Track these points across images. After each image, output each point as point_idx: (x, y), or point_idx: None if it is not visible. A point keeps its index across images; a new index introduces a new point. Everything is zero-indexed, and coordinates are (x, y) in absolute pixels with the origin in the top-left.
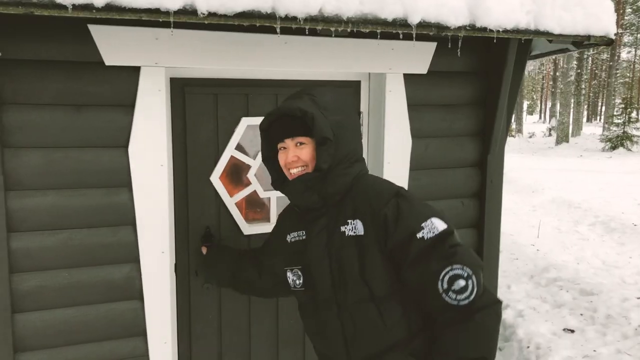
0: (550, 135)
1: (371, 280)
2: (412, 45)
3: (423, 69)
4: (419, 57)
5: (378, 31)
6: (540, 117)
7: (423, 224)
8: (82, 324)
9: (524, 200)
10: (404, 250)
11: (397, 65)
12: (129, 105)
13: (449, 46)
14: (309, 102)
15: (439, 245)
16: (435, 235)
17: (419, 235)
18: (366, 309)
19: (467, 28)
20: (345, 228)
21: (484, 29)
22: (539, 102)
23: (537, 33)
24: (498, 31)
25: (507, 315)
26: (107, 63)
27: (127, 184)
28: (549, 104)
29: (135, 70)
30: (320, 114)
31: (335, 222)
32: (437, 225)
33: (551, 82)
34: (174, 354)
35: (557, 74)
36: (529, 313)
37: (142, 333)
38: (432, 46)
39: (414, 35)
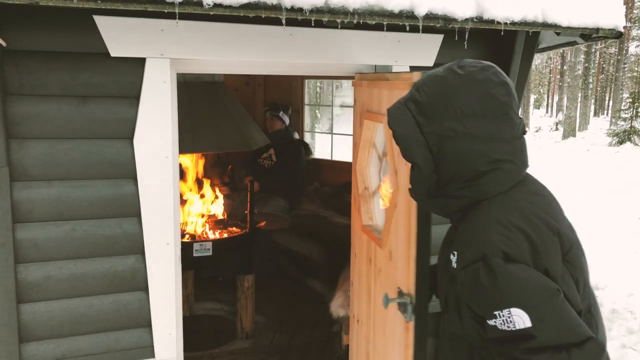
0: (557, 129)
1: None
2: (419, 38)
3: (429, 62)
4: (426, 50)
5: (384, 23)
6: (547, 111)
7: (497, 312)
8: (87, 315)
9: None
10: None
11: (403, 57)
12: (135, 97)
13: (456, 38)
14: (403, 109)
15: (511, 345)
16: (509, 332)
17: (491, 322)
18: (460, 345)
19: (475, 20)
20: (452, 257)
21: (492, 21)
22: (545, 96)
23: (545, 25)
24: (506, 23)
25: None
26: (112, 54)
27: (132, 176)
28: (556, 98)
29: (141, 61)
30: (411, 127)
31: (449, 247)
32: (516, 319)
33: (558, 76)
34: (179, 345)
35: (565, 67)
36: None
37: (147, 324)
38: (438, 38)
39: (421, 27)
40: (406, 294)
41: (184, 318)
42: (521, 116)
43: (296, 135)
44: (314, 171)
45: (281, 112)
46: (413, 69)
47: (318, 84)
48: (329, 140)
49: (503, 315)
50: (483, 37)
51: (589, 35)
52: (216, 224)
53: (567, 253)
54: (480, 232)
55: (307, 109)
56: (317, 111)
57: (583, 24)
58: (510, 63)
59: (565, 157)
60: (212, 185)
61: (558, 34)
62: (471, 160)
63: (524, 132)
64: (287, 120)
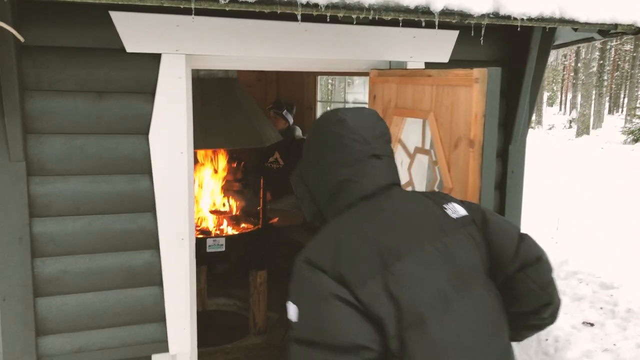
0: (570, 127)
1: None
2: (434, 34)
3: (444, 58)
4: (441, 46)
5: (400, 18)
6: (560, 109)
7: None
8: (103, 309)
9: (542, 192)
10: None
11: (418, 53)
12: (150, 93)
13: (472, 34)
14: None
15: (290, 331)
16: (290, 320)
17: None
18: None
19: (491, 16)
20: None
21: (508, 17)
22: (559, 93)
23: (563, 21)
24: (522, 19)
25: None
26: (128, 50)
27: (147, 171)
28: (569, 96)
29: (156, 57)
30: (296, 172)
31: None
32: (290, 311)
33: (572, 74)
34: (193, 340)
35: (579, 65)
36: None
37: (162, 319)
38: (454, 34)
39: (437, 23)
40: None
41: (197, 313)
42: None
43: (299, 132)
44: None
45: (285, 110)
46: (428, 65)
47: (329, 80)
48: None
49: (287, 305)
50: (499, 33)
51: (607, 31)
52: (229, 220)
53: (391, 265)
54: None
55: (319, 105)
56: (328, 108)
57: (601, 19)
58: (526, 59)
59: (579, 155)
60: (225, 182)
61: (575, 29)
62: (324, 183)
63: (379, 157)
64: (291, 120)
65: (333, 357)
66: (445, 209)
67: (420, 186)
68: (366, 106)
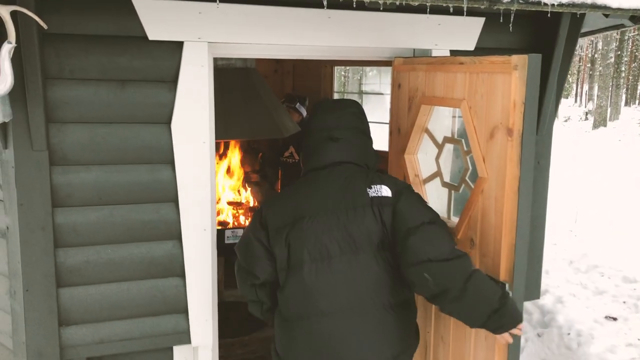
0: (586, 119)
1: None
2: (461, 21)
3: (470, 46)
4: (467, 33)
5: (427, 4)
6: (575, 101)
7: None
8: (125, 300)
9: (560, 184)
10: None
11: (443, 41)
12: (172, 81)
13: (501, 21)
14: None
15: None
16: None
17: None
18: None
19: (520, 2)
20: None
21: (538, 3)
22: (574, 85)
23: (594, 7)
24: (552, 5)
25: (546, 300)
26: (150, 37)
27: (169, 161)
28: (585, 87)
29: (179, 45)
30: None
31: None
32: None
33: (589, 65)
34: (214, 332)
35: (596, 55)
36: (569, 299)
37: (184, 310)
38: (480, 21)
39: (465, 9)
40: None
41: None
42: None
43: None
44: None
45: (298, 103)
46: (453, 53)
47: (343, 72)
48: None
49: None
50: (526, 19)
51: None
52: (248, 211)
53: (297, 223)
54: None
55: (336, 97)
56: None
57: (634, 5)
58: (554, 47)
59: (596, 147)
60: (244, 173)
61: (607, 15)
62: (301, 156)
63: (335, 140)
64: (304, 112)
65: (248, 278)
66: (370, 188)
67: (449, 176)
68: (385, 96)
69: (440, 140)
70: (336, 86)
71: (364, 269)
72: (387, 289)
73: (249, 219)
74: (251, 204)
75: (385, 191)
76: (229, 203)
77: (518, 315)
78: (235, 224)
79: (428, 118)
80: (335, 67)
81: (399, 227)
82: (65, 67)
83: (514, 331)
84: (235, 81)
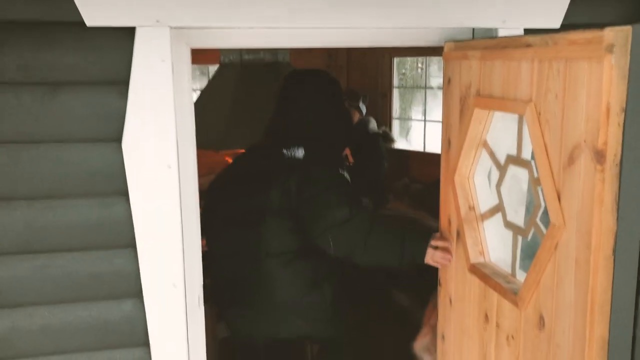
0: None
1: None
2: None
3: (554, 22)
4: (549, 5)
5: None
6: None
7: None
8: None
9: None
10: None
11: (515, 16)
12: (123, 83)
13: None
14: None
15: None
16: None
17: None
18: None
19: None
20: None
21: None
22: None
23: None
24: None
25: None
26: (88, 23)
27: (122, 192)
28: None
29: (129, 32)
30: None
31: None
32: None
33: None
34: None
35: None
36: None
37: None
38: None
39: None
40: None
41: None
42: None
43: (373, 125)
44: (402, 164)
45: (361, 101)
46: (528, 32)
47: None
48: (421, 128)
49: None
50: None
51: None
52: None
53: (219, 190)
54: None
55: (396, 92)
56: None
57: None
58: None
59: None
60: None
61: None
62: None
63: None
64: (364, 110)
65: None
66: (283, 165)
67: (515, 214)
68: None
69: (502, 159)
70: (396, 80)
71: (260, 231)
72: (278, 251)
73: None
74: None
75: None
76: None
77: (421, 248)
78: None
79: (485, 127)
80: (395, 59)
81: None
82: None
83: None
84: (263, 79)
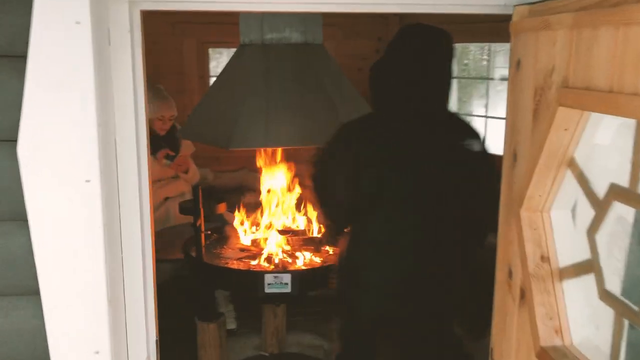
0: None
1: None
2: None
3: None
4: None
5: None
6: None
7: None
8: None
9: None
10: None
11: None
12: (19, 57)
13: None
14: None
15: None
16: None
17: None
18: None
19: None
20: None
21: None
22: None
23: None
24: None
25: None
26: None
27: (19, 216)
28: None
29: None
30: None
31: None
32: None
33: None
34: None
35: None
36: None
37: None
38: None
39: None
40: None
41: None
42: None
43: None
44: None
45: None
46: None
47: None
48: (483, 125)
49: None
50: None
51: None
52: (304, 243)
53: None
54: None
55: (454, 83)
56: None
57: None
58: None
59: None
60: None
61: None
62: None
63: None
64: None
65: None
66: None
67: (619, 280)
68: None
69: (601, 190)
70: (456, 69)
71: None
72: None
73: (306, 257)
74: (310, 233)
75: None
76: (281, 232)
77: None
78: (283, 263)
79: (575, 137)
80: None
81: None
82: None
83: None
84: (289, 63)
